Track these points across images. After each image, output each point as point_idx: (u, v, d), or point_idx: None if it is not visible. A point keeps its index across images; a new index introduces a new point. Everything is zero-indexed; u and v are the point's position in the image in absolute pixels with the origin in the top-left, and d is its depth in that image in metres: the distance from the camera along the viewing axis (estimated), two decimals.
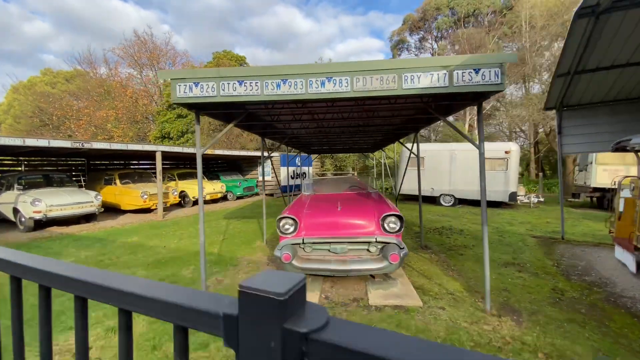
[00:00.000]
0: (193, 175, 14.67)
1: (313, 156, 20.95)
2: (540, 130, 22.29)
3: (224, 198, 15.36)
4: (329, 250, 4.23)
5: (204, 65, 22.23)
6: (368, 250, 4.21)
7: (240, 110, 4.40)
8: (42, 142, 7.93)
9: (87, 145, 8.79)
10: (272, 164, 17.74)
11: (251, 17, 68.84)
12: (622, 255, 4.83)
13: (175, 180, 13.97)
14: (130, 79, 26.28)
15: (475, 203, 12.88)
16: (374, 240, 4.14)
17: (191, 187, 13.44)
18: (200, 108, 3.89)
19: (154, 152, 10.51)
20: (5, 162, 12.60)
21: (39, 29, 61.81)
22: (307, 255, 4.25)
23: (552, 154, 23.26)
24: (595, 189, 12.06)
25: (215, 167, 19.50)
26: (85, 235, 8.14)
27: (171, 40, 33.59)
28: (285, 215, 4.33)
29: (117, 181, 11.49)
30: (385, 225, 4.23)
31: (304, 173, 19.48)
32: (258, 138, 21.61)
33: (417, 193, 7.30)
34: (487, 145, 12.86)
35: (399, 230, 4.22)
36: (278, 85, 3.25)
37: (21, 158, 13.07)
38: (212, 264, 5.62)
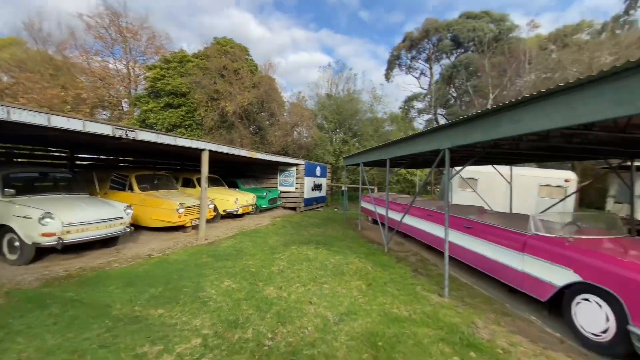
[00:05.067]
0: (212, 181, 11.71)
1: (329, 167, 19.05)
2: None
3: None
4: None
5: (207, 48, 18.85)
6: None
7: None
8: (74, 124, 4.88)
9: (131, 135, 5.85)
10: (296, 173, 15.45)
11: (202, 15, 60.35)
12: None
13: (195, 187, 10.94)
14: (97, 54, 21.37)
15: None
16: None
17: (218, 198, 10.54)
18: None
19: (201, 150, 7.75)
20: None
21: None
22: None
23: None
24: None
25: (216, 171, 16.31)
26: (128, 272, 5.19)
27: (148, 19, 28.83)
28: None
29: (135, 186, 8.28)
30: None
31: (320, 185, 17.43)
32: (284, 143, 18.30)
33: None
34: (546, 172, 12.54)
35: None
36: None
37: None
38: None
